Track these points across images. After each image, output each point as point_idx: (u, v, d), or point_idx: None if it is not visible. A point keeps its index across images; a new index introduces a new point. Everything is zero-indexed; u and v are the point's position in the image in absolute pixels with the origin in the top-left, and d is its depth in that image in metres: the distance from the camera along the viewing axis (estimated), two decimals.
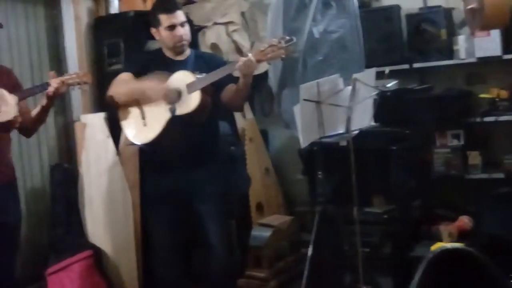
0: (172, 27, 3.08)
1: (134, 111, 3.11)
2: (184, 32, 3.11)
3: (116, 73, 3.23)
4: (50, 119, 4.15)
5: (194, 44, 3.93)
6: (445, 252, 2.06)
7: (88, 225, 3.95)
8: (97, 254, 3.86)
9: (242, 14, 4.54)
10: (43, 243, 4.00)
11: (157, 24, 3.11)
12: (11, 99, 2.78)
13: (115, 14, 4.32)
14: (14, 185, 3.03)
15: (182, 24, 3.10)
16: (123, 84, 3.10)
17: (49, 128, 4.21)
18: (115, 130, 3.76)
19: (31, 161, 4.09)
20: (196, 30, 4.45)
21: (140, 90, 3.04)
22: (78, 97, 4.17)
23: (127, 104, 3.11)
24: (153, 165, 3.25)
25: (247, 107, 4.50)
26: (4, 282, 2.93)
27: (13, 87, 2.96)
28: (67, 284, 3.69)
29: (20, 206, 3.07)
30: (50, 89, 2.86)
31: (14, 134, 3.07)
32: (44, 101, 2.91)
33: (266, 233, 4.05)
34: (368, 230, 3.51)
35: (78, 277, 3.71)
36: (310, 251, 3.19)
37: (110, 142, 3.92)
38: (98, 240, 3.91)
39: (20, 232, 3.08)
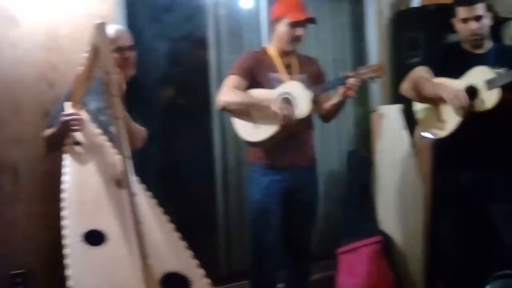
0: (465, 20, 3.01)
1: (431, 106, 3.11)
2: (478, 26, 2.99)
3: (414, 66, 3.26)
4: (350, 108, 4.43)
5: (497, 37, 3.77)
6: None
7: (380, 211, 4.11)
8: (386, 241, 3.97)
9: None
10: (337, 224, 4.27)
11: (454, 14, 3.08)
12: (307, 96, 3.00)
13: (416, 8, 4.36)
14: (315, 168, 3.30)
15: (477, 18, 2.99)
16: (416, 79, 3.14)
17: (349, 117, 4.48)
18: (410, 123, 3.83)
19: (330, 146, 4.41)
20: (500, 22, 4.25)
21: (433, 90, 3.01)
22: (376, 89, 4.37)
23: (423, 100, 3.13)
24: (448, 161, 3.20)
25: None
26: (301, 252, 3.24)
27: (317, 76, 3.25)
28: (356, 266, 3.88)
29: (318, 187, 3.32)
30: (343, 91, 2.98)
31: (316, 120, 3.33)
32: (338, 98, 3.06)
33: None
34: None
35: (367, 260, 3.87)
36: None
37: (405, 134, 3.98)
38: (388, 227, 4.04)
39: (317, 210, 3.33)
